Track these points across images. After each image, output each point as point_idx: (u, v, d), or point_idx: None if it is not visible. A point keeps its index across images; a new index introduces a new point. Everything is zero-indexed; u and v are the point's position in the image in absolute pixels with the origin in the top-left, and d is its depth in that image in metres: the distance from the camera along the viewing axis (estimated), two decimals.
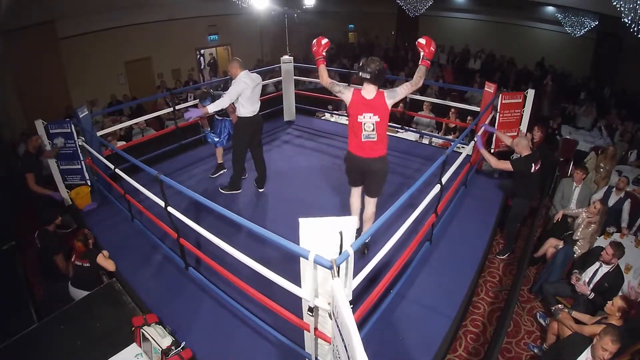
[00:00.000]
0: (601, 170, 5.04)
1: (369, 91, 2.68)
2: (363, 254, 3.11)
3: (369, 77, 2.63)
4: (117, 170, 3.37)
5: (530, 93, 4.23)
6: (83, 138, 4.01)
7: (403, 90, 2.75)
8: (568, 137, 6.80)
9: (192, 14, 10.44)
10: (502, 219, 4.10)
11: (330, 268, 1.59)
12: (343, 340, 1.38)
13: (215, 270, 2.56)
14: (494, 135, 4.30)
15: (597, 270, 3.26)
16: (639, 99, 8.51)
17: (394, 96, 2.70)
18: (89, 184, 4.21)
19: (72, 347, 2.43)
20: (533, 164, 3.51)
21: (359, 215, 3.16)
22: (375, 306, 2.49)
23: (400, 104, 5.66)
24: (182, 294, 2.91)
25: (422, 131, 6.00)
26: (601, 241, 3.83)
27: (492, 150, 4.29)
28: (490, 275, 3.80)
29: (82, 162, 4.11)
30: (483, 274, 3.71)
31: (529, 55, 11.45)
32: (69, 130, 3.95)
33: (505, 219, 4.10)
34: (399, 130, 5.51)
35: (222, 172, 4.52)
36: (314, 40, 2.91)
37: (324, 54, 2.87)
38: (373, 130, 2.70)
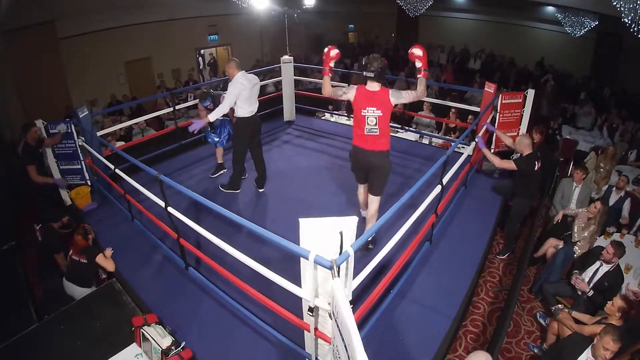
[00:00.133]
0: (601, 170, 5.04)
1: (373, 87, 2.79)
2: (367, 249, 3.14)
3: (372, 75, 2.74)
4: (117, 170, 3.37)
5: (530, 93, 4.23)
6: (83, 138, 4.01)
7: (407, 96, 2.84)
8: (568, 137, 6.80)
9: (192, 14, 10.44)
10: (503, 219, 4.10)
11: (331, 268, 1.59)
12: (343, 340, 1.38)
13: (215, 270, 2.57)
14: (494, 135, 4.31)
15: (597, 270, 3.26)
16: (639, 99, 8.51)
17: (398, 97, 2.80)
18: (89, 184, 4.21)
19: (72, 347, 2.43)
20: (536, 163, 3.54)
21: (367, 205, 3.23)
22: (375, 306, 2.50)
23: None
24: (182, 294, 2.91)
25: (422, 131, 6.00)
26: (601, 241, 3.83)
27: (492, 151, 4.29)
28: (490, 275, 3.80)
29: (82, 162, 4.11)
30: (483, 274, 3.70)
31: (529, 55, 11.45)
32: (69, 130, 3.96)
33: (506, 219, 4.10)
34: (399, 130, 5.51)
35: (222, 172, 4.52)
36: (325, 49, 2.98)
37: (331, 65, 2.96)
38: (375, 124, 2.80)
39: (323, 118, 6.55)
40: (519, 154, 3.70)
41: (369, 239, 3.13)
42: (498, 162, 3.64)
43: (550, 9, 10.58)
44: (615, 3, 5.97)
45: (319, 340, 2.00)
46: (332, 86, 3.01)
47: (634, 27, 6.03)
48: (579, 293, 3.27)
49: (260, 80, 6.88)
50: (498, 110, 4.24)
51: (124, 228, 3.67)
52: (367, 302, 2.24)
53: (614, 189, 4.46)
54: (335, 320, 1.50)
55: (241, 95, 3.56)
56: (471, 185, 4.23)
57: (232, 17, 10.93)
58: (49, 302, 3.25)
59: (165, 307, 2.74)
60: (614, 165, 5.25)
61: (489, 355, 1.63)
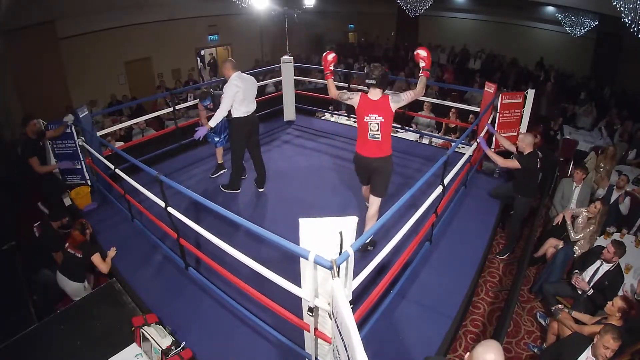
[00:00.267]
0: (601, 170, 5.05)
1: (374, 94, 2.92)
2: (367, 250, 3.16)
3: (374, 82, 2.88)
4: (117, 170, 3.37)
5: (530, 93, 4.23)
6: (83, 138, 4.01)
7: (406, 97, 2.95)
8: (568, 137, 6.80)
9: (192, 14, 10.45)
10: (503, 219, 4.10)
11: (330, 268, 1.59)
12: (343, 340, 1.38)
13: (215, 270, 2.57)
14: (494, 135, 4.31)
15: (597, 269, 3.27)
16: (639, 99, 8.51)
17: (398, 101, 2.91)
18: (89, 184, 4.21)
19: (72, 347, 2.43)
20: (538, 160, 3.58)
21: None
22: (375, 306, 2.50)
23: None
24: (182, 294, 2.91)
25: (422, 131, 6.00)
26: (601, 241, 3.83)
27: (492, 151, 4.29)
28: (490, 275, 3.80)
29: (82, 162, 4.11)
30: (483, 274, 3.71)
31: (529, 55, 11.46)
32: (69, 130, 3.96)
33: (506, 219, 4.10)
34: (399, 130, 5.51)
35: (222, 172, 4.52)
36: (324, 54, 3.17)
37: (331, 68, 3.13)
38: (378, 130, 2.91)
39: (323, 118, 6.55)
40: (519, 153, 3.70)
41: (367, 241, 3.16)
42: (501, 161, 3.65)
43: (550, 9, 10.58)
44: (615, 3, 5.97)
45: (319, 340, 2.00)
46: (337, 87, 3.17)
47: (634, 27, 6.03)
48: (579, 293, 3.27)
49: (261, 80, 6.88)
50: (498, 110, 4.24)
51: (124, 228, 3.67)
52: (367, 302, 2.24)
53: (614, 188, 4.46)
54: (335, 320, 1.50)
55: (237, 96, 3.58)
56: (471, 185, 4.23)
57: (232, 17, 10.94)
58: (40, 295, 3.31)
59: (165, 307, 2.74)
60: (614, 165, 5.25)
61: (499, 345, 1.63)
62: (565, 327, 2.93)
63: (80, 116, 3.94)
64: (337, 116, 6.51)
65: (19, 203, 5.07)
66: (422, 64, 3.00)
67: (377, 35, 14.93)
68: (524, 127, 4.35)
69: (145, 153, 4.51)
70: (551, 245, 3.82)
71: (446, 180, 2.98)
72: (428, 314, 2.71)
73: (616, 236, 3.97)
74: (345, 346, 1.35)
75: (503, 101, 4.19)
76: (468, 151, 3.66)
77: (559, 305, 3.10)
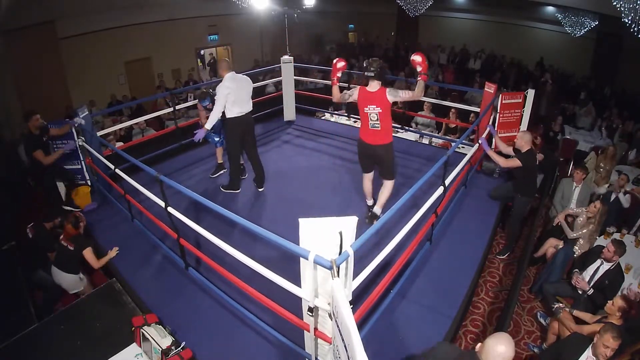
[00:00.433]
0: (601, 170, 5.05)
1: (373, 87, 3.10)
2: (373, 220, 3.40)
3: (373, 74, 3.05)
4: (117, 170, 3.37)
5: (530, 93, 4.23)
6: (83, 138, 4.01)
7: (404, 95, 3.12)
8: (568, 137, 6.81)
9: (192, 14, 10.44)
10: (503, 219, 4.09)
11: (330, 268, 1.59)
12: (343, 340, 1.38)
13: (215, 270, 2.57)
14: (494, 137, 4.31)
15: (598, 268, 3.27)
16: (639, 99, 8.51)
17: (394, 94, 3.08)
18: (89, 184, 4.21)
19: (72, 347, 2.43)
20: (536, 158, 3.63)
21: (371, 195, 3.61)
22: (375, 306, 2.50)
23: (400, 102, 5.68)
24: (182, 294, 2.91)
25: (422, 131, 6.00)
26: (601, 241, 3.83)
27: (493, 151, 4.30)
28: (490, 275, 3.80)
29: (82, 162, 4.11)
30: (483, 274, 3.71)
31: (529, 55, 11.45)
32: (69, 130, 3.96)
33: (506, 219, 4.10)
34: (399, 130, 5.51)
35: (222, 172, 4.52)
36: (334, 62, 3.41)
37: (338, 75, 3.37)
38: (377, 120, 3.13)
39: (323, 118, 6.55)
40: (516, 151, 3.71)
41: (376, 214, 3.44)
42: (503, 162, 3.65)
43: (550, 9, 10.58)
44: (615, 3, 5.97)
45: (319, 340, 2.00)
46: (339, 90, 3.38)
47: (634, 27, 6.03)
48: (579, 292, 3.27)
49: (261, 80, 6.88)
50: (498, 111, 4.24)
51: (124, 228, 3.67)
52: (367, 302, 2.24)
53: (614, 187, 4.47)
54: (335, 320, 1.50)
55: (229, 98, 3.59)
56: (471, 185, 4.23)
57: (232, 17, 10.93)
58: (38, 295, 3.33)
59: (165, 307, 2.74)
60: (614, 165, 5.25)
61: (510, 338, 1.66)
62: (566, 327, 2.93)
63: (81, 116, 3.94)
64: (337, 116, 6.51)
65: (19, 203, 5.07)
66: (418, 69, 3.16)
67: (377, 35, 14.93)
68: (524, 127, 4.35)
69: (145, 153, 4.50)
70: (551, 245, 3.82)
71: (447, 181, 2.98)
72: (428, 314, 2.71)
73: (616, 236, 3.97)
74: (345, 346, 1.35)
75: (503, 101, 4.19)
76: (469, 152, 3.66)
77: (560, 304, 3.10)
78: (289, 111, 6.04)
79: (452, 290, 2.90)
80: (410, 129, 5.89)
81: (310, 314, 1.89)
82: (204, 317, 2.71)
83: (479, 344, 1.71)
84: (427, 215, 3.01)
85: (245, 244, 3.14)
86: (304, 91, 6.77)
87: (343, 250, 1.67)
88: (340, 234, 1.64)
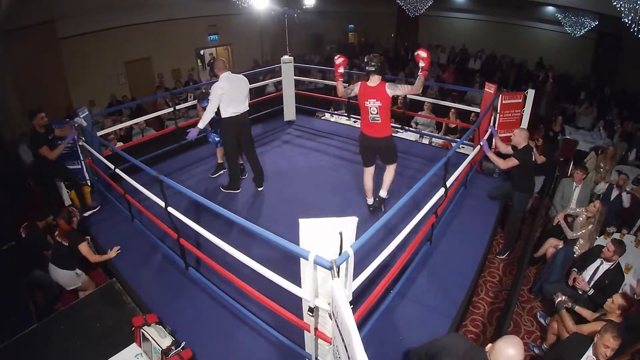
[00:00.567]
0: (601, 170, 5.05)
1: (373, 81, 3.22)
2: (380, 205, 3.67)
3: (374, 69, 3.18)
4: (117, 170, 3.37)
5: (530, 93, 4.23)
6: (83, 138, 4.01)
7: (403, 89, 3.25)
8: (568, 137, 6.80)
9: (192, 14, 10.44)
10: (503, 220, 4.09)
11: (330, 269, 1.59)
12: (343, 340, 1.38)
13: (215, 270, 2.57)
14: (494, 138, 4.31)
15: (598, 268, 3.27)
16: (639, 99, 8.51)
17: (394, 88, 3.20)
18: (89, 184, 4.21)
19: (72, 347, 2.44)
20: (532, 154, 3.68)
21: (372, 192, 3.67)
22: (375, 306, 2.50)
23: (400, 99, 5.68)
24: (182, 294, 2.91)
25: (422, 131, 6.00)
26: (601, 241, 3.83)
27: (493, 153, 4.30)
28: (490, 275, 3.80)
29: (83, 162, 4.11)
30: (483, 274, 3.71)
31: (529, 55, 11.46)
32: (71, 131, 3.95)
33: (506, 219, 4.10)
34: (399, 130, 5.50)
35: (222, 172, 4.52)
36: (334, 59, 3.55)
37: (340, 71, 3.50)
38: (377, 113, 3.26)
39: (323, 118, 6.55)
40: (513, 148, 3.73)
41: (384, 198, 3.70)
42: (503, 163, 3.66)
43: (550, 9, 10.58)
44: (615, 3, 5.97)
45: (319, 340, 2.00)
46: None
47: (634, 27, 6.03)
48: (580, 292, 3.27)
49: (261, 80, 6.87)
50: (498, 111, 4.24)
51: (124, 228, 3.67)
52: (367, 302, 2.24)
53: (614, 187, 4.47)
54: (335, 321, 1.50)
55: (223, 98, 3.61)
56: (471, 185, 4.23)
57: (232, 17, 10.92)
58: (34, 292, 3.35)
59: (165, 307, 2.74)
60: (614, 165, 5.25)
61: (521, 342, 1.69)
62: (565, 327, 2.93)
63: (81, 116, 3.94)
64: (337, 116, 6.51)
65: (19, 203, 5.07)
66: (421, 64, 3.26)
67: (377, 35, 14.93)
68: (524, 127, 4.34)
69: (145, 153, 4.50)
70: (551, 245, 3.82)
71: (449, 183, 2.99)
72: (428, 314, 2.71)
73: (616, 236, 3.97)
74: (345, 346, 1.35)
75: (503, 101, 4.19)
76: (471, 153, 3.65)
77: (563, 297, 3.07)
78: (289, 111, 6.04)
79: (452, 290, 2.90)
80: (410, 129, 5.89)
81: (311, 314, 1.89)
82: (204, 317, 2.71)
83: (490, 344, 1.75)
84: (427, 215, 3.00)
85: (245, 244, 3.14)
86: (304, 91, 6.77)
87: (343, 251, 1.67)
88: (341, 234, 1.64)
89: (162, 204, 2.75)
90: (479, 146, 3.80)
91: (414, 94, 3.37)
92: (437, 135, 5.88)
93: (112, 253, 3.26)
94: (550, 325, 3.12)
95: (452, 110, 5.92)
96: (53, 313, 2.84)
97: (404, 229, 2.44)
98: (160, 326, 2.43)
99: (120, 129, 5.75)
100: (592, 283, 3.23)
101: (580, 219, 3.83)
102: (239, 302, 2.61)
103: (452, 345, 1.90)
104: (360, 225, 1.78)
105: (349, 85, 3.47)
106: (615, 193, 4.47)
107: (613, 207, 4.33)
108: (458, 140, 4.46)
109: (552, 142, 6.83)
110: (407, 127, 5.71)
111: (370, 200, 3.71)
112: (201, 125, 3.67)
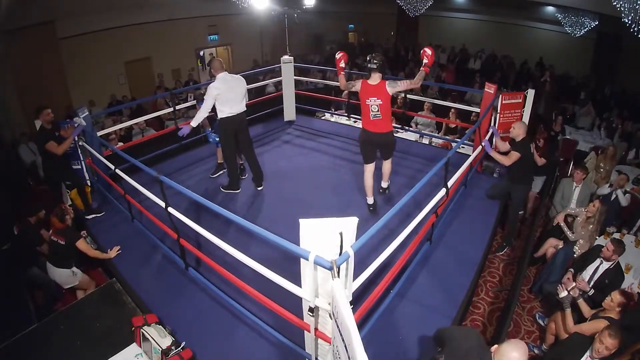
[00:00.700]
0: (601, 170, 5.05)
1: (374, 79, 3.33)
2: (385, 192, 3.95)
3: (375, 67, 3.28)
4: (117, 171, 3.37)
5: (530, 93, 4.23)
6: (83, 138, 4.01)
7: (403, 84, 3.37)
8: (568, 137, 6.80)
9: (192, 14, 10.44)
10: (502, 220, 4.09)
11: (331, 269, 1.59)
12: (343, 340, 1.38)
13: (215, 270, 2.57)
14: (494, 137, 4.32)
15: (597, 268, 3.27)
16: (639, 99, 8.51)
17: (394, 86, 3.32)
18: (89, 184, 4.21)
19: (72, 347, 2.44)
20: (530, 146, 3.75)
21: (372, 192, 3.72)
22: (375, 306, 2.49)
23: (400, 99, 5.68)
24: (182, 294, 2.91)
25: (422, 131, 6.00)
26: (601, 241, 3.83)
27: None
28: (490, 275, 3.80)
29: (83, 162, 4.11)
30: (483, 274, 3.71)
31: (529, 56, 11.45)
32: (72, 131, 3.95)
33: (506, 218, 4.10)
34: (399, 130, 5.50)
35: (222, 172, 4.52)
36: (335, 55, 3.72)
37: (342, 65, 3.65)
38: (378, 110, 3.36)
39: (323, 118, 6.55)
40: (511, 141, 3.77)
41: (386, 187, 3.95)
42: (507, 160, 3.68)
43: (550, 9, 10.57)
44: (615, 3, 5.97)
45: (319, 341, 2.00)
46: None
47: (634, 27, 6.02)
48: (580, 292, 3.27)
49: (261, 80, 6.86)
50: (498, 111, 4.24)
51: (124, 228, 3.67)
52: (367, 302, 2.24)
53: (614, 187, 4.47)
54: (335, 321, 1.50)
55: (219, 98, 3.63)
56: (471, 185, 4.23)
57: (232, 17, 10.92)
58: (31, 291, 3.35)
59: (165, 307, 2.74)
60: (614, 165, 5.25)
61: (526, 347, 1.72)
62: (565, 326, 2.92)
63: (81, 116, 3.94)
64: (337, 116, 6.51)
65: (19, 203, 5.07)
66: (425, 60, 3.38)
67: (378, 35, 14.93)
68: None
69: (145, 153, 4.51)
70: (551, 245, 3.82)
71: (450, 183, 2.99)
72: (428, 314, 2.71)
73: (616, 236, 3.97)
74: (345, 346, 1.35)
75: (503, 101, 4.19)
76: (472, 154, 3.65)
77: (569, 293, 3.05)
78: (289, 111, 6.04)
79: (452, 290, 2.90)
80: (410, 129, 5.89)
81: (311, 314, 1.89)
82: (204, 317, 2.71)
83: (496, 345, 1.78)
84: (428, 215, 3.01)
85: (245, 244, 3.15)
86: (304, 91, 6.77)
87: (343, 251, 1.67)
88: (341, 234, 1.64)
89: (162, 204, 2.75)
90: (480, 147, 3.80)
91: (413, 88, 3.48)
92: (437, 135, 5.88)
93: (112, 253, 3.26)
94: (549, 325, 3.12)
95: (452, 110, 5.92)
96: (53, 313, 2.84)
97: (405, 229, 2.44)
98: (160, 326, 2.43)
99: (120, 129, 5.74)
100: (592, 283, 3.23)
101: (580, 219, 3.83)
102: (239, 302, 2.61)
103: (461, 337, 1.93)
104: (360, 226, 1.78)
105: (356, 80, 3.55)
106: (614, 194, 4.47)
107: (613, 207, 4.33)
108: (458, 140, 4.46)
109: (552, 142, 6.83)
110: (407, 127, 5.71)
111: (370, 200, 3.72)
112: (194, 123, 3.70)
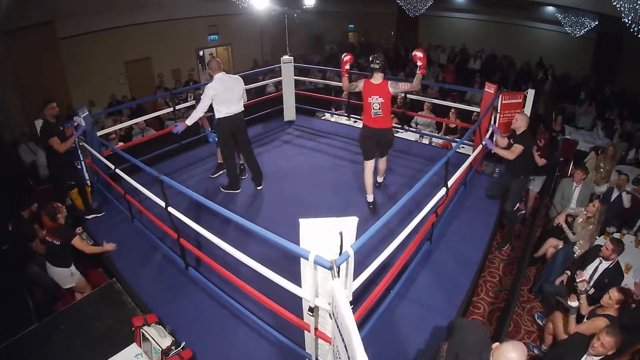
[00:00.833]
0: (601, 170, 5.05)
1: (376, 79, 3.48)
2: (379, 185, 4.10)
3: (378, 67, 3.43)
4: (117, 170, 3.37)
5: (530, 93, 4.23)
6: (83, 138, 4.01)
7: (403, 86, 3.54)
8: (568, 137, 6.80)
9: (192, 14, 10.43)
10: (502, 218, 4.09)
11: (331, 269, 1.59)
12: (343, 340, 1.38)
13: (215, 270, 2.57)
14: (495, 135, 4.31)
15: (597, 267, 3.27)
16: (639, 99, 8.51)
17: (395, 86, 3.48)
18: (89, 184, 4.20)
19: (72, 347, 2.43)
20: (531, 138, 3.83)
21: (372, 189, 3.78)
22: (375, 306, 2.50)
23: (400, 99, 5.68)
24: (182, 294, 2.91)
25: (422, 131, 6.00)
26: (601, 241, 3.82)
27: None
28: (490, 275, 3.80)
29: (83, 162, 4.11)
30: (483, 274, 3.71)
31: (529, 56, 11.45)
32: (73, 131, 3.94)
33: (506, 218, 4.10)
34: (399, 130, 5.50)
35: (222, 172, 4.52)
36: (342, 57, 3.83)
37: (347, 68, 3.74)
38: (379, 108, 3.50)
39: (323, 118, 6.55)
40: (512, 133, 3.80)
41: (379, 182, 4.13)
42: (510, 154, 3.69)
43: (550, 9, 10.57)
44: (615, 3, 5.97)
45: (319, 340, 2.00)
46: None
47: (634, 27, 6.02)
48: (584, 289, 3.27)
49: (261, 80, 6.85)
50: (498, 111, 4.24)
51: (124, 228, 3.67)
52: (367, 302, 2.24)
53: (615, 187, 4.47)
54: (335, 320, 1.50)
55: (216, 98, 3.64)
56: (471, 185, 4.23)
57: (232, 17, 10.92)
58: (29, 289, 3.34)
59: (165, 307, 2.74)
60: (614, 165, 5.25)
61: (525, 348, 1.75)
62: (563, 329, 2.92)
63: (81, 116, 3.94)
64: (337, 116, 6.50)
65: (19, 203, 5.06)
66: (419, 64, 3.55)
67: (378, 35, 14.93)
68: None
69: (145, 153, 4.51)
70: (551, 245, 3.82)
71: (450, 183, 2.99)
72: (428, 314, 2.71)
73: (616, 236, 3.97)
74: (345, 346, 1.35)
75: (503, 101, 4.19)
76: (473, 153, 3.65)
77: (574, 303, 3.03)
78: (289, 111, 6.04)
79: (452, 290, 2.90)
80: (411, 129, 5.89)
81: (311, 314, 1.89)
82: (204, 317, 2.71)
83: (497, 343, 1.81)
84: (428, 215, 3.00)
85: (245, 243, 3.15)
86: (304, 91, 6.76)
87: (343, 251, 1.67)
88: (341, 234, 1.64)
89: (163, 204, 2.75)
90: (480, 146, 3.80)
91: (413, 90, 3.62)
92: (437, 135, 5.88)
93: (108, 246, 3.16)
94: (546, 326, 3.12)
95: (452, 110, 5.92)
96: (53, 313, 2.83)
97: (405, 229, 2.44)
98: (160, 326, 2.43)
99: (120, 128, 5.74)
100: (591, 282, 3.23)
101: (580, 219, 3.83)
102: (239, 302, 2.61)
103: (468, 329, 1.98)
104: (360, 225, 1.78)
105: (358, 81, 3.63)
106: (615, 193, 4.47)
107: (613, 207, 4.33)
108: (458, 140, 4.46)
109: (552, 142, 6.83)
110: (407, 127, 5.71)
111: (370, 198, 3.75)
112: (189, 122, 3.74)
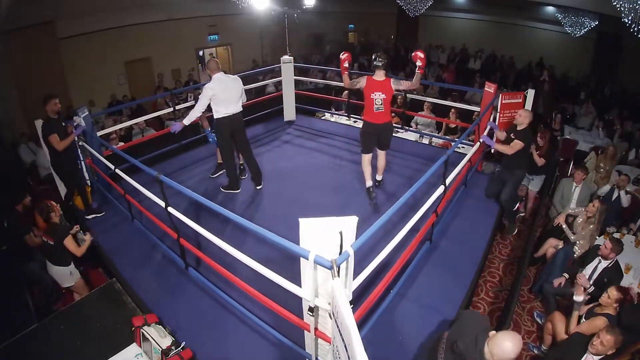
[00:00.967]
0: (601, 170, 5.04)
1: (379, 76, 3.63)
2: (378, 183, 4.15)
3: (381, 64, 3.59)
4: (117, 171, 3.37)
5: (530, 93, 4.24)
6: (83, 138, 4.01)
7: (404, 84, 3.72)
8: (568, 137, 6.80)
9: (192, 14, 10.44)
10: (502, 223, 4.09)
11: (331, 268, 1.59)
12: (343, 340, 1.38)
13: (215, 270, 2.57)
14: (495, 133, 4.31)
15: (596, 267, 3.27)
16: (639, 99, 8.51)
17: (397, 84, 3.66)
18: (89, 184, 4.21)
19: (72, 347, 2.43)
20: (532, 134, 3.89)
21: (370, 176, 3.90)
22: (375, 306, 2.50)
23: (400, 99, 5.68)
24: (182, 294, 2.91)
25: (422, 131, 6.00)
26: (601, 241, 3.82)
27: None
28: (490, 275, 3.80)
29: (83, 162, 4.11)
30: (483, 274, 3.70)
31: (529, 56, 11.45)
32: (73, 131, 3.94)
33: (506, 218, 4.10)
34: (399, 130, 5.50)
35: (222, 172, 4.52)
36: (340, 55, 3.90)
37: (346, 65, 3.81)
38: (381, 104, 3.65)
39: (323, 118, 6.55)
40: (513, 128, 3.81)
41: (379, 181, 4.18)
42: (510, 149, 3.71)
43: (550, 9, 10.57)
44: (615, 3, 5.97)
45: (319, 340, 2.00)
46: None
47: (634, 27, 6.02)
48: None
49: (261, 80, 6.86)
50: (498, 110, 4.24)
51: (124, 228, 3.67)
52: (367, 302, 2.24)
53: (615, 188, 4.47)
54: (335, 320, 1.50)
55: (214, 98, 3.64)
56: (471, 185, 4.23)
57: (232, 17, 10.92)
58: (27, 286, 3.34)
59: (165, 307, 2.74)
60: (614, 165, 5.24)
61: (520, 338, 1.79)
62: (564, 329, 2.92)
63: (81, 116, 3.94)
64: (337, 116, 6.50)
65: (18, 203, 5.06)
66: (418, 63, 3.61)
67: (377, 35, 14.93)
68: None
69: (145, 153, 4.51)
70: (551, 245, 3.82)
71: (448, 181, 2.99)
72: (428, 314, 2.71)
73: (616, 236, 3.97)
74: (345, 346, 1.35)
75: (503, 101, 4.20)
76: (470, 152, 3.65)
77: (580, 298, 3.03)
78: (289, 111, 6.05)
79: (452, 290, 2.90)
80: (411, 129, 5.89)
81: (311, 314, 1.89)
82: (204, 317, 2.71)
83: (493, 332, 1.84)
84: (427, 214, 3.01)
85: (245, 243, 3.15)
86: (304, 91, 6.76)
87: (343, 250, 1.67)
88: (341, 233, 1.64)
89: (162, 204, 2.75)
90: (478, 143, 3.81)
91: (413, 89, 3.79)
92: (437, 135, 5.88)
93: (87, 239, 3.20)
94: (545, 326, 3.11)
95: (452, 110, 5.91)
96: (53, 313, 2.83)
97: (404, 227, 2.44)
98: (160, 326, 2.43)
99: (120, 129, 5.74)
100: (591, 281, 3.23)
101: (580, 219, 3.83)
102: (239, 302, 2.61)
103: (470, 319, 2.01)
104: (360, 225, 1.78)
105: (359, 77, 3.71)
106: (616, 193, 4.47)
107: (613, 207, 4.32)
108: (458, 139, 4.45)
109: (552, 142, 6.82)
110: (407, 127, 5.71)
111: (369, 183, 3.86)
112: (186, 121, 3.74)
